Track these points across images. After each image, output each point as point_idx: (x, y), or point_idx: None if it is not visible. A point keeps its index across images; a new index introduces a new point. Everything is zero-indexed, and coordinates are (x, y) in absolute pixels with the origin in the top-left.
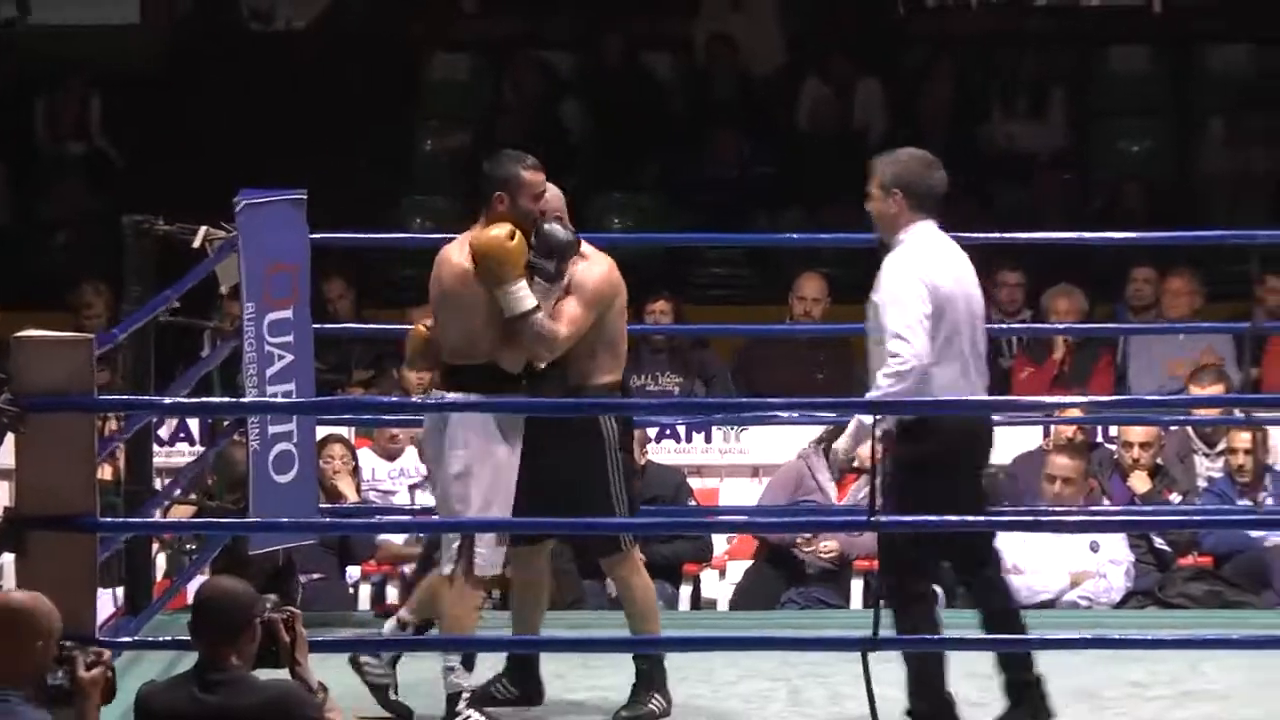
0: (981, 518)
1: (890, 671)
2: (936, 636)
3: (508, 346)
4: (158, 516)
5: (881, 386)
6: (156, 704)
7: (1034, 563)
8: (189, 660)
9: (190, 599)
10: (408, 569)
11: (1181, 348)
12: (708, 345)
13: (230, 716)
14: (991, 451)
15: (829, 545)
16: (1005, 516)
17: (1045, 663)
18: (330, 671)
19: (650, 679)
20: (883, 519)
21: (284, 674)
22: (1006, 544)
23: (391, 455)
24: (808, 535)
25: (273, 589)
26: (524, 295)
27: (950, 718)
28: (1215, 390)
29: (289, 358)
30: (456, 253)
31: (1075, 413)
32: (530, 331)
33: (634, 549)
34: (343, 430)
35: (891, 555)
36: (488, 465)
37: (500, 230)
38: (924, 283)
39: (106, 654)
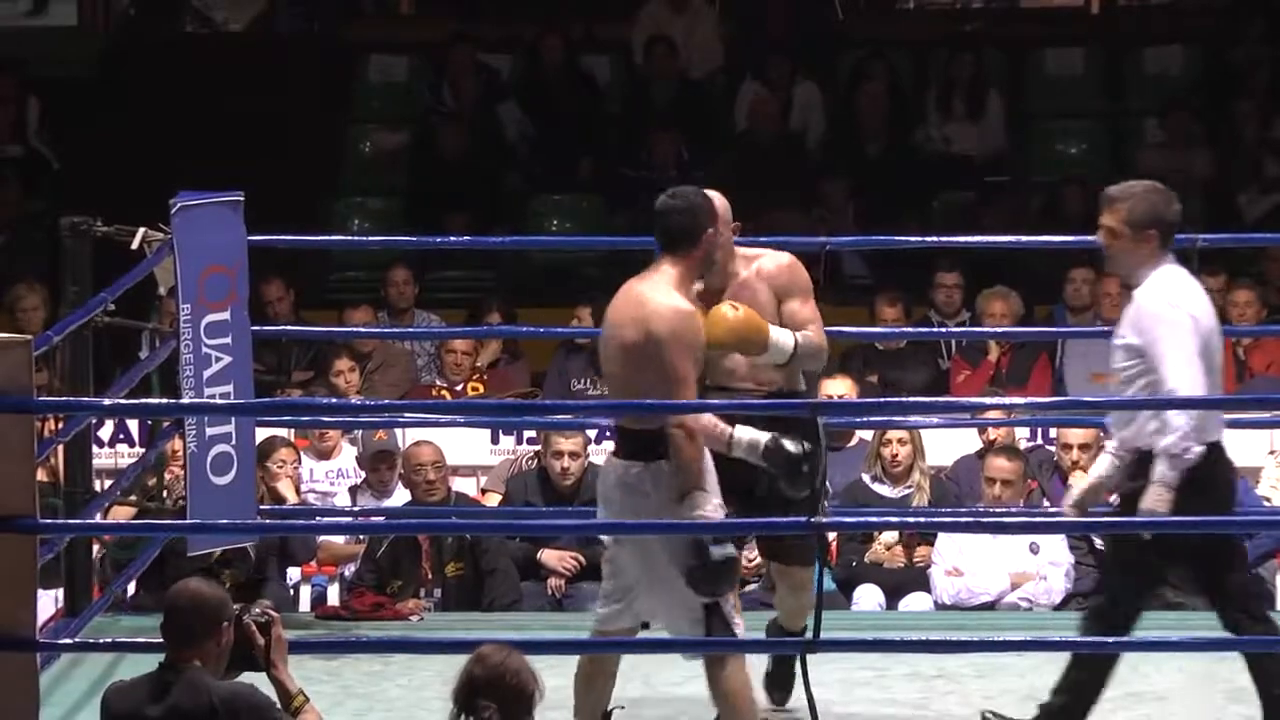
0: (930, 520)
1: (830, 673)
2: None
3: None
4: (98, 518)
5: (1179, 428)
6: (116, 702)
7: (974, 565)
8: (131, 662)
9: (129, 601)
10: (349, 570)
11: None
12: None
13: (178, 717)
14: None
15: (750, 556)
16: (945, 518)
17: (986, 664)
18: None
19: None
20: (823, 520)
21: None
22: (946, 546)
23: (325, 455)
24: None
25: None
26: (783, 335)
27: None
28: None
29: (227, 359)
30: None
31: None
32: (806, 354)
33: None
34: (282, 431)
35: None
36: None
37: (731, 311)
38: (1191, 319)
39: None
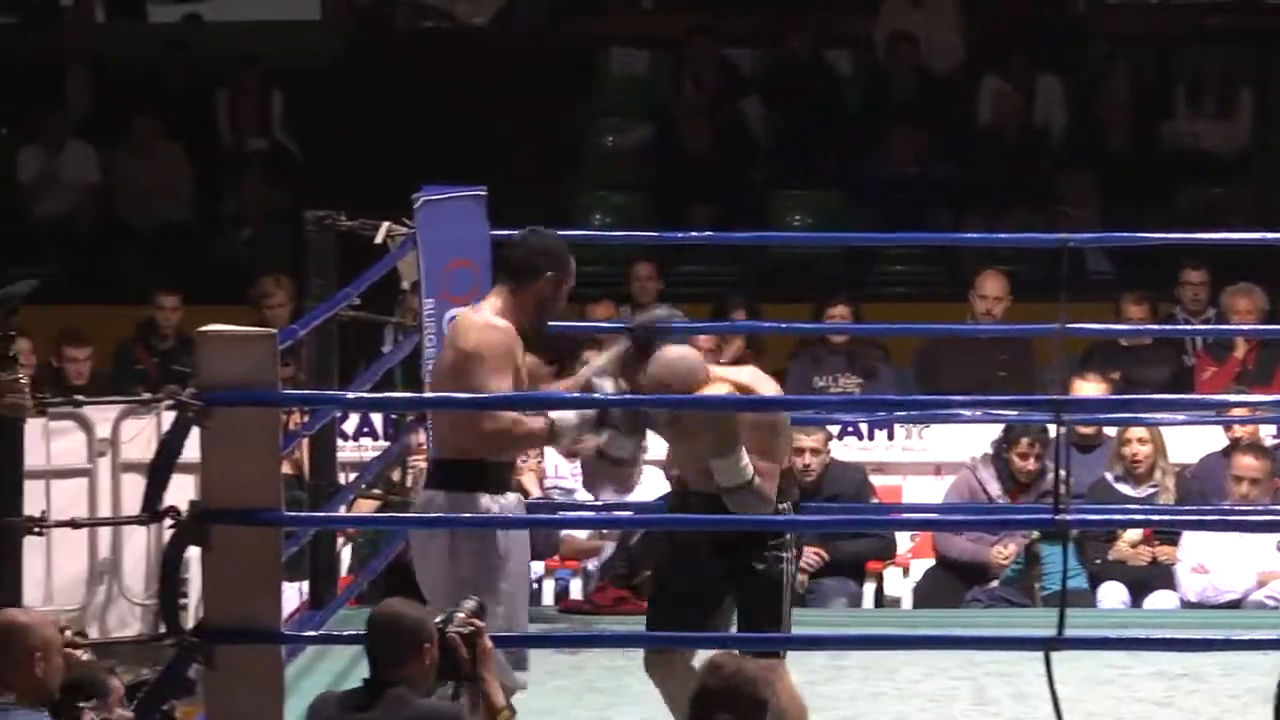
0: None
1: (1074, 671)
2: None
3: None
4: (342, 511)
5: None
6: (320, 711)
7: (1221, 562)
8: None
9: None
10: (591, 564)
11: None
12: (878, 345)
13: None
14: None
15: (1009, 552)
16: (1193, 516)
17: (1232, 663)
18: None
19: None
20: (1067, 517)
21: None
22: (1192, 543)
23: (573, 453)
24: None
25: None
26: (747, 461)
27: None
28: None
29: None
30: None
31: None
32: (753, 497)
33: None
34: None
35: None
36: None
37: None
38: None
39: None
